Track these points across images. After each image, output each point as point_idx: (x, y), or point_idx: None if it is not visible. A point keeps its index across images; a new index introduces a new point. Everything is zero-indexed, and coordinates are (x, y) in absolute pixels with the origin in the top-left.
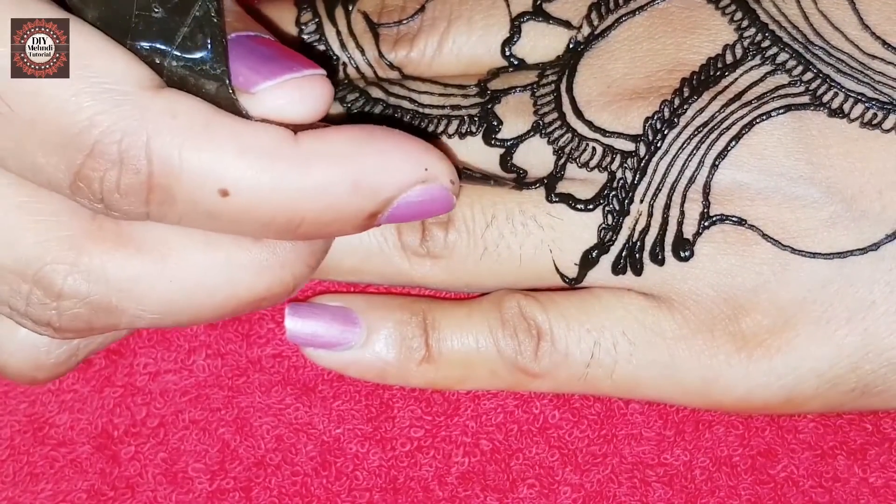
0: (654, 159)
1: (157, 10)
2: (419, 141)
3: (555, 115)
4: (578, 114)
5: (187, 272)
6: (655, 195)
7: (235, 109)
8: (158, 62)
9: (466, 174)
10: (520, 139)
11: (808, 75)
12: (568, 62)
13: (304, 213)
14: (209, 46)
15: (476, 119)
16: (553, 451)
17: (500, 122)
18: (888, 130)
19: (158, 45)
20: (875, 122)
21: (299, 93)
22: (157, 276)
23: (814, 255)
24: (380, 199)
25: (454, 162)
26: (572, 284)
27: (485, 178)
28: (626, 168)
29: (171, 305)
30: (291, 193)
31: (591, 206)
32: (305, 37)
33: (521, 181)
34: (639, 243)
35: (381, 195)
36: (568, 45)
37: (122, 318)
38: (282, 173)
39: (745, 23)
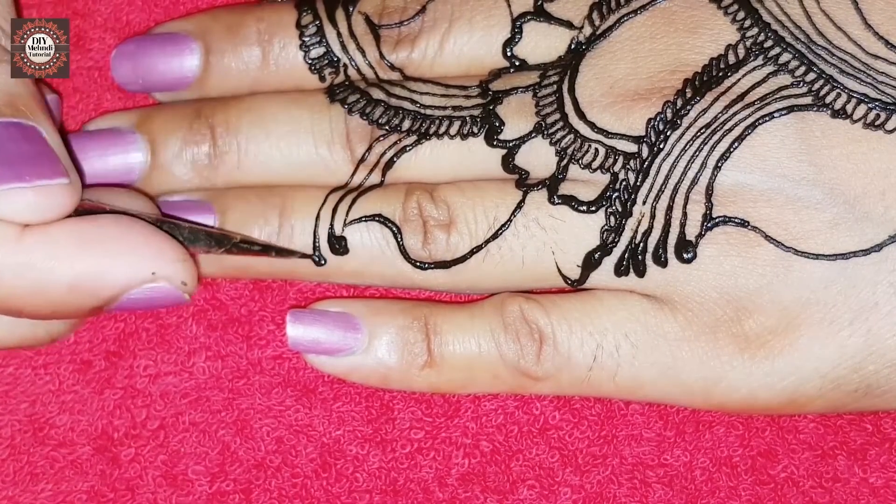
0: (657, 161)
1: None
2: (155, 239)
3: (557, 115)
4: (581, 115)
5: None
6: (658, 197)
7: None
8: None
9: (243, 247)
10: (522, 140)
11: (811, 76)
12: (570, 63)
13: (21, 306)
14: None
15: (478, 120)
16: (553, 453)
17: (502, 123)
18: (891, 131)
19: None
20: (878, 122)
21: (24, 202)
22: None
23: (816, 256)
24: (99, 299)
25: (229, 234)
26: (574, 286)
27: (265, 249)
28: (628, 169)
29: None
30: (5, 290)
31: (593, 208)
32: (306, 39)
33: (523, 182)
34: (641, 245)
35: (99, 295)
36: (569, 46)
37: None
38: None
39: (747, 22)
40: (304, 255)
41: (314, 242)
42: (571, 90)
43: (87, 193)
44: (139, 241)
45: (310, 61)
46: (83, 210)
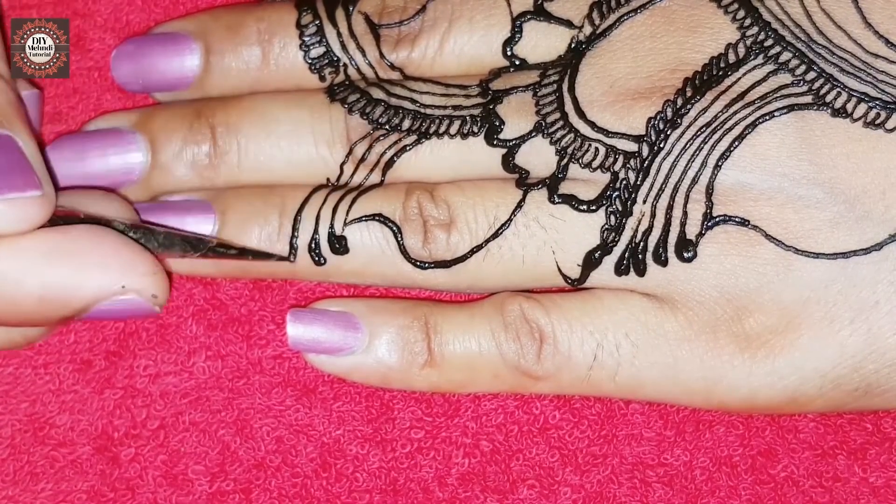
0: (657, 160)
1: None
2: (127, 251)
3: (557, 115)
4: (581, 114)
5: None
6: (658, 196)
7: None
8: None
9: (219, 251)
10: (522, 139)
11: (811, 75)
12: (570, 62)
13: None
14: None
15: (478, 119)
16: (553, 452)
17: (503, 123)
18: (891, 130)
19: None
20: (878, 121)
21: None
22: None
23: (817, 255)
24: (68, 309)
25: (205, 238)
26: (575, 285)
27: (242, 252)
28: (628, 168)
29: None
30: None
31: (593, 207)
32: (306, 38)
33: (523, 181)
34: (642, 244)
35: (69, 307)
36: (569, 45)
37: None
38: None
39: (747, 21)
40: (280, 258)
41: (314, 242)
42: (571, 89)
43: (62, 197)
44: (110, 254)
45: (310, 61)
46: (56, 217)
